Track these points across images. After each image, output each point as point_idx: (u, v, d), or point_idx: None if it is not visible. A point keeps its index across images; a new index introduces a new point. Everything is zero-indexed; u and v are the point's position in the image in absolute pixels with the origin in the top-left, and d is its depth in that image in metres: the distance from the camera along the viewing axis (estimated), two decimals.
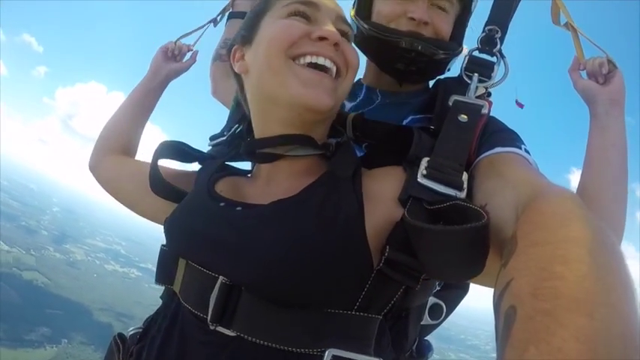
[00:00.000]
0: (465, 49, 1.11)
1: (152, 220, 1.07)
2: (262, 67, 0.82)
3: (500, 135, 0.89)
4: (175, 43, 1.42)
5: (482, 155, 0.84)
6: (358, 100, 1.14)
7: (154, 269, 0.88)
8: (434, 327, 1.17)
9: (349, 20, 1.00)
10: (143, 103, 1.34)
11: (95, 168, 1.25)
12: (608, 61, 1.15)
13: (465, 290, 1.23)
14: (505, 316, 0.43)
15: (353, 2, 1.15)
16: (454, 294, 1.19)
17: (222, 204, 0.82)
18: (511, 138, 0.89)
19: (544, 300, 0.40)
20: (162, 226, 0.92)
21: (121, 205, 1.17)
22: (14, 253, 69.17)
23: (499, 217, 0.67)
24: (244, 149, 0.91)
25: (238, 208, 0.80)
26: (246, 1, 1.55)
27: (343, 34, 0.86)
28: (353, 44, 0.91)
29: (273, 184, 0.86)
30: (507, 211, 0.66)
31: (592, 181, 1.03)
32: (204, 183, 0.88)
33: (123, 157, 1.23)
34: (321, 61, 0.80)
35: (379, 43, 1.04)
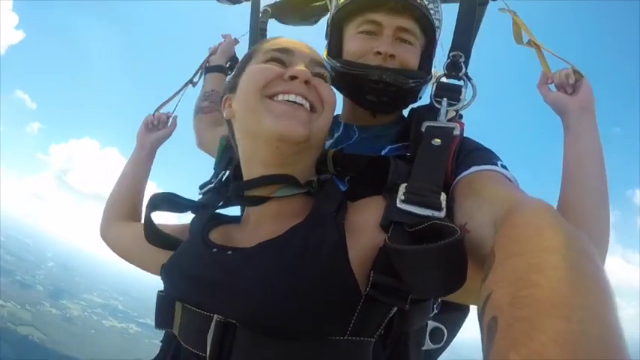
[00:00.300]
0: (436, 72, 1.18)
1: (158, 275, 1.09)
2: (242, 108, 0.89)
3: (476, 154, 0.92)
4: (154, 114, 1.55)
5: (460, 176, 0.88)
6: (336, 137, 1.19)
7: (153, 324, 0.91)
8: (439, 351, 1.19)
9: (325, 62, 1.08)
10: (137, 173, 1.46)
11: (105, 236, 1.35)
12: (573, 71, 1.17)
13: (464, 312, 1.25)
14: (487, 328, 0.44)
15: (326, 44, 1.23)
16: (454, 316, 1.22)
17: (214, 250, 0.86)
18: (487, 156, 0.92)
19: (521, 308, 0.41)
20: (160, 280, 0.96)
21: (125, 262, 1.25)
22: (9, 308, 67.26)
23: (479, 234, 0.70)
24: (231, 192, 0.96)
25: (229, 252, 0.84)
26: (221, 56, 1.71)
27: (318, 75, 0.92)
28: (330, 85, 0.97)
29: (261, 227, 0.89)
30: (486, 227, 0.69)
31: (571, 191, 1.03)
32: (198, 231, 0.93)
33: (127, 222, 1.32)
34: (292, 97, 0.85)
35: (350, 78, 1.10)
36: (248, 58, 0.98)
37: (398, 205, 0.79)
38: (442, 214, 0.76)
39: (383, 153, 1.07)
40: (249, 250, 0.80)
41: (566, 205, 1.01)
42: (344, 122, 1.23)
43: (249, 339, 0.72)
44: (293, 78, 0.86)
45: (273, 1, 1.80)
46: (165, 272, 0.91)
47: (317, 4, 1.78)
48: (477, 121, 18.95)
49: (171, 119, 1.56)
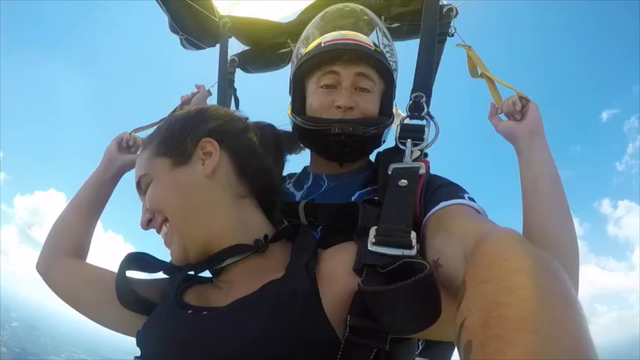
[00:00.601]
0: (398, 110, 1.23)
1: (115, 331, 1.07)
2: None
3: (443, 190, 0.94)
4: (130, 134, 1.39)
5: (429, 213, 0.89)
6: (306, 188, 1.21)
7: None
8: None
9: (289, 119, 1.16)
10: (96, 197, 1.28)
11: (47, 273, 1.17)
12: (520, 98, 1.20)
13: (452, 345, 1.23)
14: (463, 353, 0.46)
15: (290, 101, 1.25)
16: (442, 350, 1.22)
17: (189, 311, 0.85)
18: (453, 190, 0.94)
19: (493, 327, 0.43)
20: (127, 337, 0.97)
21: (81, 315, 1.12)
22: None
23: (451, 267, 0.73)
24: (194, 267, 0.96)
25: (204, 313, 0.82)
26: (193, 105, 1.61)
27: (144, 191, 0.94)
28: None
29: (234, 286, 0.88)
30: (457, 260, 0.71)
31: (532, 213, 1.03)
32: (172, 294, 0.92)
33: (77, 260, 1.17)
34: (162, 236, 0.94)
35: (314, 133, 1.13)
36: None
37: (369, 248, 0.79)
38: (413, 251, 0.77)
39: (353, 199, 1.09)
40: (224, 309, 0.80)
41: (530, 228, 1.02)
42: (312, 173, 1.25)
43: None
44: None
45: (240, 50, 1.88)
46: (140, 338, 0.89)
47: (282, 50, 1.86)
48: (444, 153, 19.08)
49: None
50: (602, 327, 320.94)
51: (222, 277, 0.93)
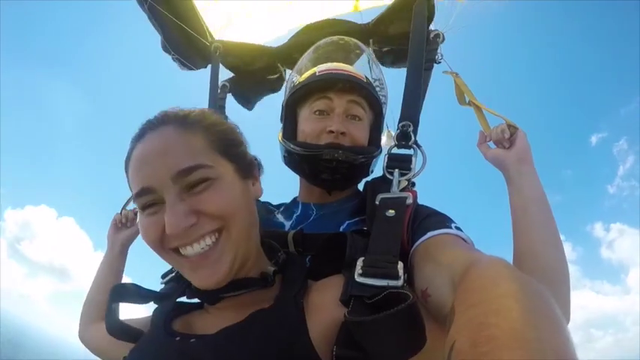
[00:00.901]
0: (392, 133, 1.24)
1: None
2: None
3: (430, 220, 0.95)
4: (121, 213, 1.52)
5: (417, 243, 0.90)
6: (295, 217, 1.22)
7: None
8: None
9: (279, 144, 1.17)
10: (110, 274, 1.46)
11: (83, 338, 1.35)
12: (508, 126, 1.21)
13: None
14: None
15: (281, 127, 1.28)
16: None
17: (177, 338, 0.85)
18: (440, 220, 0.95)
19: (482, 345, 0.45)
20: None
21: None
22: None
23: (440, 296, 0.74)
24: (188, 295, 0.95)
25: (192, 340, 0.82)
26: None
27: (196, 183, 0.79)
28: (223, 187, 0.82)
29: (223, 314, 0.88)
30: (445, 288, 0.72)
31: (522, 240, 1.05)
32: (161, 321, 0.91)
33: (102, 323, 1.24)
34: (190, 251, 0.79)
35: (305, 159, 1.15)
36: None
37: (356, 279, 0.79)
38: (400, 282, 0.77)
39: (341, 229, 1.10)
40: (212, 336, 0.79)
41: (520, 254, 1.04)
42: (302, 202, 1.27)
43: None
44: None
45: (230, 76, 1.88)
46: None
47: (272, 77, 1.88)
48: (432, 180, 18.86)
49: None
50: (598, 352, 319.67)
51: (217, 305, 0.92)
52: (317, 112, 1.18)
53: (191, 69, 1.91)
